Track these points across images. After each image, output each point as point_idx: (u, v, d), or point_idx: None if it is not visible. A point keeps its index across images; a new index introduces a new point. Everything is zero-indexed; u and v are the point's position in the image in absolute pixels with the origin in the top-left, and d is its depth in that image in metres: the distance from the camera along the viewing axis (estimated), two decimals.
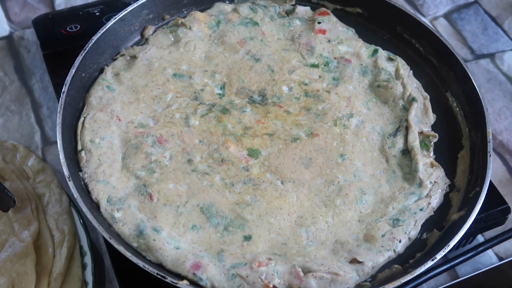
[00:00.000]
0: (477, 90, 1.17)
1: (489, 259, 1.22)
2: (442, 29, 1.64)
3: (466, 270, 1.19)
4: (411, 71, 1.26)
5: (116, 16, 1.27)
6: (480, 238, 1.23)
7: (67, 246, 1.10)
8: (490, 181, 1.14)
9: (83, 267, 1.10)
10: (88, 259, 1.10)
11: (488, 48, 1.61)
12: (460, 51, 1.58)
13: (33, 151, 1.29)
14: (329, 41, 1.29)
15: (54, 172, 1.23)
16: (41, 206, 1.16)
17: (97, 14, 1.46)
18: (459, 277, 1.18)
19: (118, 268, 1.08)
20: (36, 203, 1.15)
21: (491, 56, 1.59)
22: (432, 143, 1.16)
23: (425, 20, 1.60)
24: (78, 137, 1.11)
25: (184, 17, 1.33)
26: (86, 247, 1.11)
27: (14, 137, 1.35)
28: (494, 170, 1.34)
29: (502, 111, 1.46)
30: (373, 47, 1.29)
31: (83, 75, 1.19)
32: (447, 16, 1.68)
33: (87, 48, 1.20)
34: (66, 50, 1.23)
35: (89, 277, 1.09)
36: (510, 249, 1.23)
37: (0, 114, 1.39)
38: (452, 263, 1.13)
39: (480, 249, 1.16)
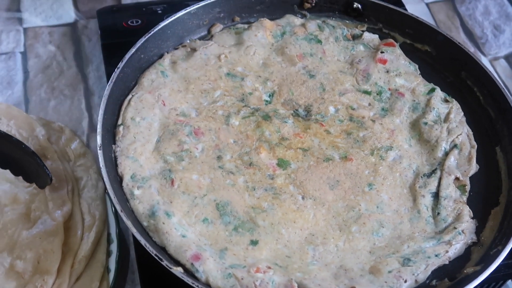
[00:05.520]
0: None
1: None
2: (501, 70, 1.59)
3: None
4: (464, 118, 1.23)
5: (188, 8, 1.31)
6: (510, 284, 1.18)
7: (95, 231, 1.12)
8: None
9: (108, 254, 1.12)
10: (114, 247, 1.12)
11: None
12: None
13: (78, 135, 1.32)
14: (387, 71, 1.28)
15: (95, 158, 1.26)
16: (77, 189, 1.19)
17: (159, 12, 1.50)
18: None
19: (140, 259, 1.10)
20: (72, 186, 1.19)
21: None
22: (467, 192, 1.13)
23: (487, 62, 1.58)
24: (121, 113, 1.15)
25: (253, 22, 1.36)
26: (114, 235, 1.13)
27: (63, 120, 1.39)
28: None
29: None
30: (431, 85, 1.27)
31: (142, 56, 1.24)
32: (508, 58, 1.63)
33: (152, 32, 1.25)
34: (124, 42, 1.26)
35: (113, 265, 1.10)
36: None
37: (54, 97, 1.44)
38: None
39: None
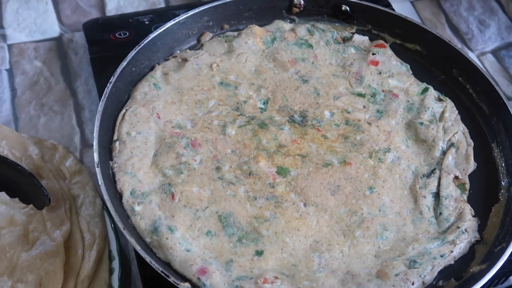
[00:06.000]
0: None
1: None
2: (489, 65, 1.60)
3: None
4: (459, 116, 1.23)
5: (177, 18, 1.30)
6: None
7: (96, 249, 1.10)
8: None
9: (111, 271, 1.10)
10: (116, 264, 1.10)
11: None
12: (506, 89, 1.54)
13: (71, 152, 1.30)
14: (380, 73, 1.28)
15: (91, 175, 1.24)
16: (75, 207, 1.17)
17: (146, 22, 1.48)
18: None
19: (144, 275, 1.09)
20: (70, 204, 1.16)
21: None
22: (467, 190, 1.13)
23: (474, 57, 1.59)
24: (116, 128, 1.14)
25: (243, 29, 1.35)
26: (115, 252, 1.11)
27: (54, 137, 1.36)
28: None
29: None
30: (424, 85, 1.27)
31: (133, 69, 1.22)
32: (495, 52, 1.65)
33: (142, 44, 1.24)
34: (113, 55, 1.25)
35: (115, 282, 1.08)
36: None
37: (43, 114, 1.41)
38: None
39: None
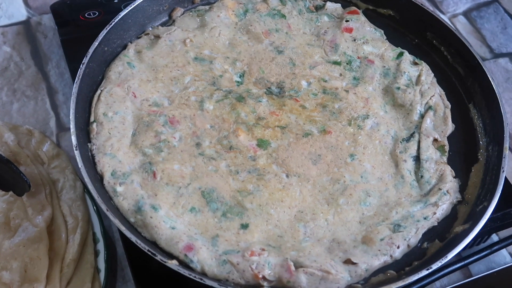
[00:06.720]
0: (500, 105, 1.15)
1: (503, 258, 1.21)
2: (461, 27, 1.62)
3: (479, 269, 1.18)
4: (435, 78, 1.24)
5: None
6: (494, 237, 1.21)
7: (80, 232, 1.10)
8: (507, 181, 1.12)
9: (96, 254, 1.10)
10: (101, 246, 1.10)
11: (507, 47, 1.58)
12: (478, 50, 1.56)
13: (48, 136, 1.28)
14: (354, 40, 1.28)
15: (69, 158, 1.23)
16: (55, 191, 1.16)
17: (116, 1, 1.47)
18: (472, 276, 1.17)
19: (131, 255, 1.08)
20: (50, 189, 1.16)
21: (510, 55, 1.56)
22: (446, 152, 1.14)
23: (446, 19, 1.59)
24: (92, 109, 1.12)
25: (214, 2, 1.34)
26: (99, 234, 1.11)
27: (29, 122, 1.35)
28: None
29: None
30: (399, 49, 1.27)
31: (106, 49, 1.20)
32: (466, 14, 1.66)
33: (113, 23, 1.22)
34: (84, 36, 1.23)
35: (102, 264, 1.08)
36: None
37: (16, 99, 1.39)
38: (465, 262, 1.11)
39: (495, 248, 1.14)
